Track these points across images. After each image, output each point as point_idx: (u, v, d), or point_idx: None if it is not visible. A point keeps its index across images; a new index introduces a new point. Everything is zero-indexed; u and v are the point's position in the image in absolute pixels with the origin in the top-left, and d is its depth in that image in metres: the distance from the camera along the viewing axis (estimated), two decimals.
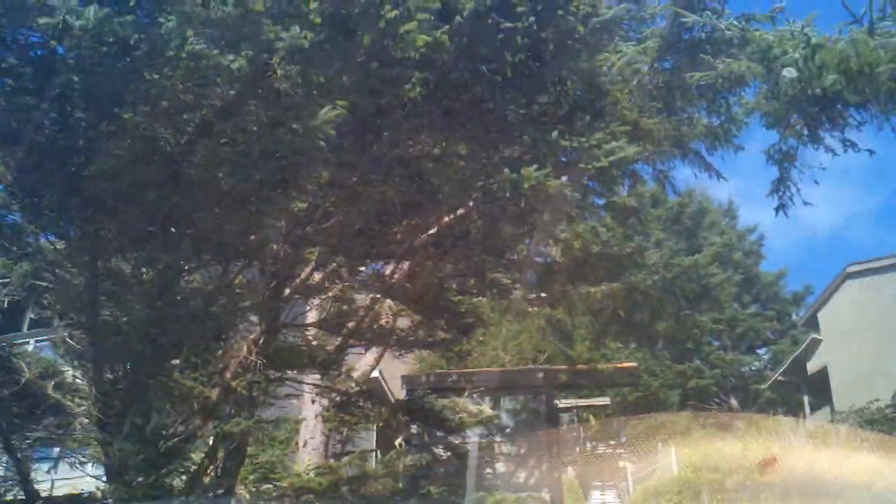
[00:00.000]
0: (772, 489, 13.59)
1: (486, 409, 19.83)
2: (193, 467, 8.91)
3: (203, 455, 9.12)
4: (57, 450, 11.20)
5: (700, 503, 17.88)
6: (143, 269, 7.02)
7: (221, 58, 5.46)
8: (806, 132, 11.71)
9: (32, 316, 21.19)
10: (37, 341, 18.39)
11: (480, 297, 13.73)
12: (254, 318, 9.29)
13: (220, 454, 9.33)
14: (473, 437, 19.32)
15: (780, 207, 12.36)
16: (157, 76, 5.51)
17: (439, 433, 17.24)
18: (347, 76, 6.16)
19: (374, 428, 19.47)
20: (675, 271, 27.79)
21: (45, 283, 7.34)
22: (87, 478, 10.98)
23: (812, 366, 30.21)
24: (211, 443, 9.19)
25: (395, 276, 12.07)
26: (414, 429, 17.98)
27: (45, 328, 15.97)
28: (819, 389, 29.55)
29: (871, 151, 11.00)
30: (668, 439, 24.36)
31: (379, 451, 19.60)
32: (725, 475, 17.00)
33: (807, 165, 12.13)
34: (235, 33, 5.51)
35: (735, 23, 10.48)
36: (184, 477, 8.94)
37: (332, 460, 16.11)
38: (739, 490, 15.99)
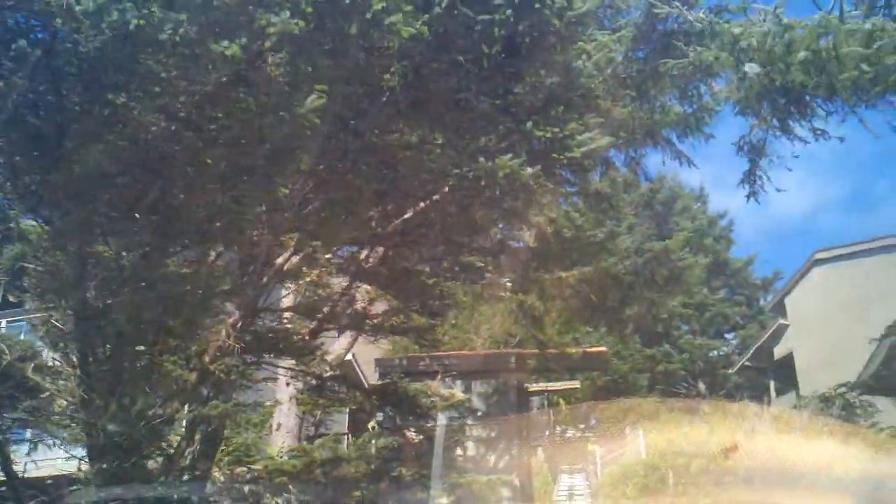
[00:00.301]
0: (734, 474, 13.95)
1: (458, 392, 20.05)
2: (171, 450, 9.02)
3: (180, 438, 9.23)
4: (34, 431, 11.25)
5: (666, 487, 18.26)
6: (125, 253, 7.09)
7: (216, 44, 5.55)
8: (775, 122, 11.96)
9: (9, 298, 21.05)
10: (8, 322, 18.33)
11: (454, 281, 13.89)
12: (232, 303, 9.38)
13: (197, 437, 9.44)
14: (445, 420, 19.53)
15: (752, 195, 12.67)
16: (150, 62, 5.59)
17: (411, 416, 17.43)
18: (333, 65, 6.26)
19: (347, 411, 19.65)
20: (646, 256, 28.10)
21: (27, 265, 7.40)
22: (60, 460, 11.06)
23: (779, 351, 30.73)
24: (188, 425, 9.30)
25: (371, 260, 12.19)
26: (387, 412, 18.16)
27: (16, 309, 15.91)
28: (785, 374, 30.07)
29: (840, 139, 11.26)
30: (637, 423, 24.77)
31: (352, 434, 19.79)
32: (691, 459, 17.37)
33: (776, 155, 12.42)
34: (230, 20, 5.60)
35: (703, 15, 10.68)
36: (160, 459, 9.04)
37: (305, 443, 16.26)
38: (703, 474, 16.36)
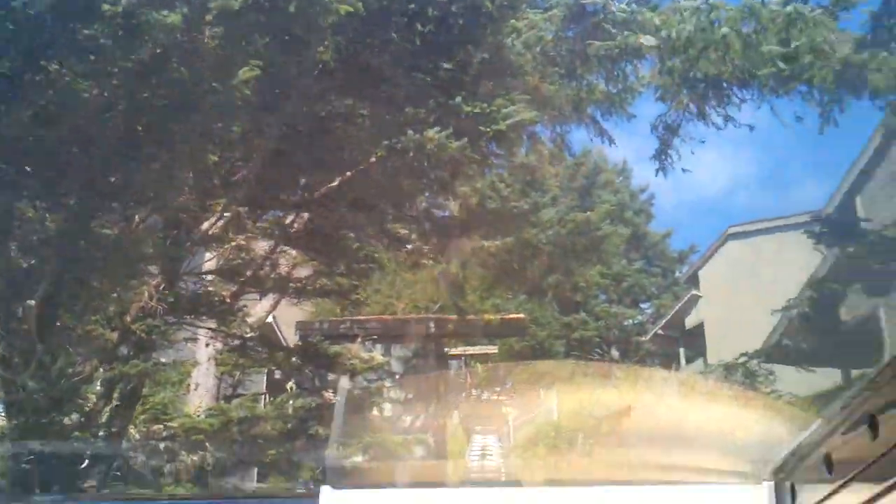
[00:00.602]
0: (639, 435, 14.50)
1: (378, 355, 20.26)
2: (88, 406, 9.05)
3: (99, 395, 9.26)
4: None
5: (574, 446, 18.87)
6: (51, 215, 7.07)
7: (156, 13, 5.56)
8: (693, 106, 12.46)
9: None
10: None
11: (378, 247, 14.06)
12: (155, 266, 9.39)
13: (115, 395, 9.47)
14: (363, 381, 19.74)
15: (662, 170, 13.34)
16: (87, 30, 5.56)
17: (330, 377, 17.60)
18: (270, 39, 6.32)
19: (266, 372, 19.71)
20: (568, 227, 28.65)
21: None
22: None
23: (690, 321, 31.77)
24: (107, 383, 9.32)
25: (296, 225, 12.27)
26: (305, 373, 18.29)
27: None
28: (695, 343, 31.12)
29: (750, 127, 11.84)
30: (551, 387, 25.36)
31: (269, 395, 19.88)
32: (600, 421, 17.96)
33: (689, 136, 13.01)
34: None
35: (626, 7, 11.06)
36: (78, 416, 9.07)
37: (222, 402, 16.29)
38: (610, 435, 16.94)
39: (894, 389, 1.51)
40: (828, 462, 1.81)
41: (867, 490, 1.57)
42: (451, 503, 2.30)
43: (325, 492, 2.27)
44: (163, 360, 10.47)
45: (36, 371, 7.25)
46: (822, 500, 1.83)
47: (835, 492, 1.76)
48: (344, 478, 16.72)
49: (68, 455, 8.32)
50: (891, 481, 1.47)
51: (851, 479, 1.68)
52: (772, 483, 2.16)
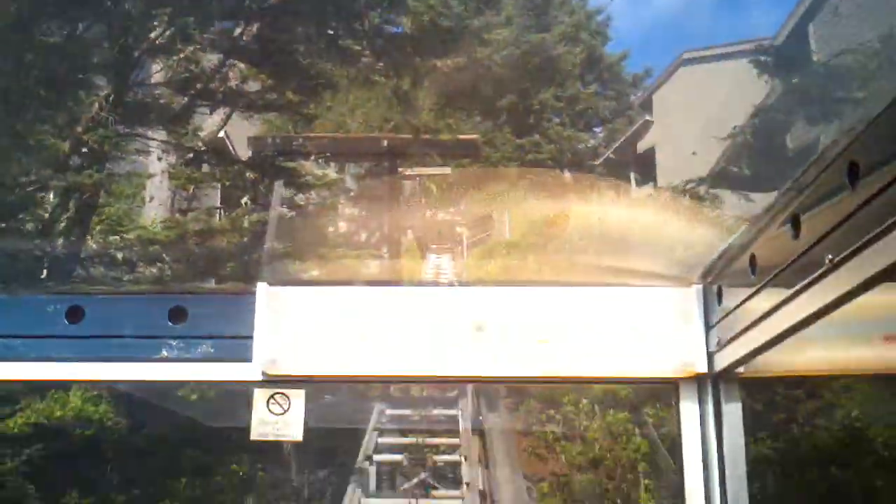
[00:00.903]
0: (585, 250, 15.13)
1: (332, 173, 20.50)
2: (46, 216, 9.28)
3: (56, 205, 9.47)
4: None
5: (525, 263, 19.67)
6: None
7: None
8: None
9: None
10: None
11: (329, 63, 14.01)
12: (104, 76, 9.38)
13: (72, 205, 9.69)
14: (317, 198, 20.06)
15: None
16: None
17: (284, 193, 17.88)
18: None
19: (220, 187, 19.90)
20: (523, 48, 28.46)
21: None
22: None
23: (642, 145, 32.26)
24: (63, 194, 9.51)
25: (245, 37, 12.18)
26: (259, 188, 18.51)
27: None
28: (646, 168, 31.73)
29: None
30: (503, 208, 26.02)
31: (224, 209, 20.15)
32: (547, 240, 18.67)
33: None
34: None
35: None
36: (35, 224, 9.30)
37: (178, 216, 16.57)
38: (559, 250, 17.64)
39: (817, 189, 1.56)
40: (752, 263, 1.87)
41: (788, 288, 1.64)
42: (396, 301, 2.30)
43: (261, 288, 2.27)
44: (117, 171, 10.60)
45: None
46: (746, 300, 1.91)
47: (758, 291, 1.83)
48: (281, 275, 17.30)
49: (30, 258, 8.59)
50: (810, 278, 1.54)
51: (773, 278, 1.74)
52: (700, 286, 2.24)
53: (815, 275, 1.51)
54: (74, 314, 2.24)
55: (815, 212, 1.56)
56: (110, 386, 15.16)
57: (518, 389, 19.89)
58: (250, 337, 2.22)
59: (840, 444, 15.07)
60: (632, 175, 33.73)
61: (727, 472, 2.13)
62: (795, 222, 1.61)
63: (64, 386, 12.39)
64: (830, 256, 1.45)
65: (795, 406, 15.54)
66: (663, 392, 15.80)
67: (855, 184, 1.39)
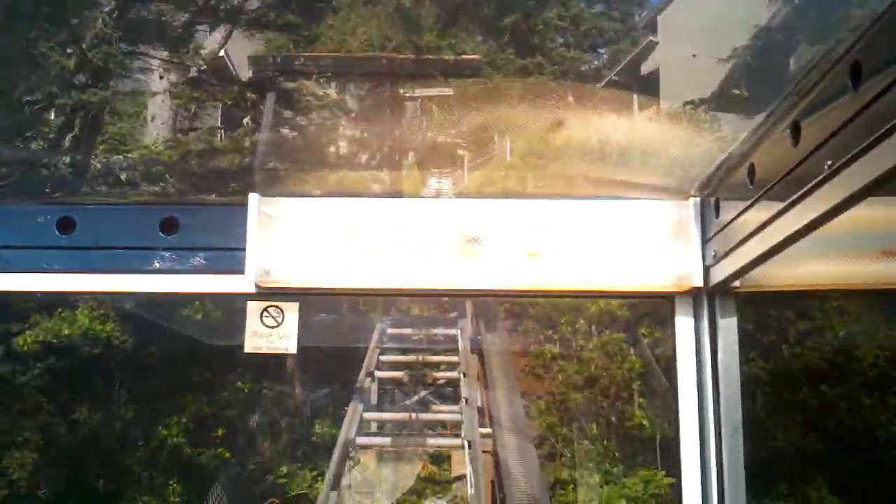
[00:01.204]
0: (583, 163, 15.10)
1: (332, 93, 20.40)
2: (52, 135, 9.36)
3: (61, 124, 9.54)
4: None
5: (523, 186, 19.75)
6: None
7: None
8: None
9: None
10: None
11: None
12: None
13: (77, 122, 9.76)
14: (318, 119, 20.00)
15: None
16: None
17: (286, 113, 17.86)
18: None
19: (220, 106, 19.85)
20: None
21: None
22: None
23: (646, 67, 31.95)
24: (69, 112, 9.56)
25: None
26: (260, 108, 18.47)
27: None
28: (649, 89, 31.47)
29: None
30: (504, 130, 25.96)
31: (225, 130, 20.13)
32: (548, 162, 18.72)
33: None
34: None
35: None
36: (41, 143, 9.39)
37: (180, 135, 16.60)
38: (558, 177, 17.69)
39: (819, 93, 1.52)
40: (751, 174, 1.84)
41: (787, 197, 1.61)
42: (391, 214, 2.25)
43: (253, 200, 2.23)
44: (121, 89, 10.61)
45: None
46: (744, 211, 1.88)
47: (756, 202, 1.81)
48: (274, 186, 17.37)
49: (39, 177, 8.70)
50: (809, 185, 1.51)
51: (772, 188, 1.70)
52: (698, 199, 2.21)
53: (814, 182, 1.48)
54: (66, 225, 2.21)
55: (816, 116, 1.52)
56: (115, 304, 15.48)
57: (516, 312, 20.25)
58: (243, 249, 2.20)
59: (830, 365, 15.45)
60: (634, 97, 33.49)
61: (721, 387, 2.12)
62: (796, 129, 1.58)
63: (56, 298, 12.60)
64: (830, 162, 1.42)
65: (787, 328, 15.87)
66: (658, 312, 16.10)
67: (857, 86, 1.36)
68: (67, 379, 16.03)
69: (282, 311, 2.26)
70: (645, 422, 16.27)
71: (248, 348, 2.25)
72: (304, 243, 2.21)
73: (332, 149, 21.27)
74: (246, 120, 19.02)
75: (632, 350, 17.34)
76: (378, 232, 2.21)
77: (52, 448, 15.77)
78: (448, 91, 28.19)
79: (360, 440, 11.98)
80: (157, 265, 2.20)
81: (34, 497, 15.22)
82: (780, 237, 1.67)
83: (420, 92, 26.42)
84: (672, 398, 2.22)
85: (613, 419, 16.95)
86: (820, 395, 15.18)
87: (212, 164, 15.75)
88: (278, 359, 17.37)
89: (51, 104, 8.54)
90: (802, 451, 14.57)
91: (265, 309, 2.25)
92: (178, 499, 15.61)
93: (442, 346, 15.64)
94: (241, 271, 2.19)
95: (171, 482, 15.71)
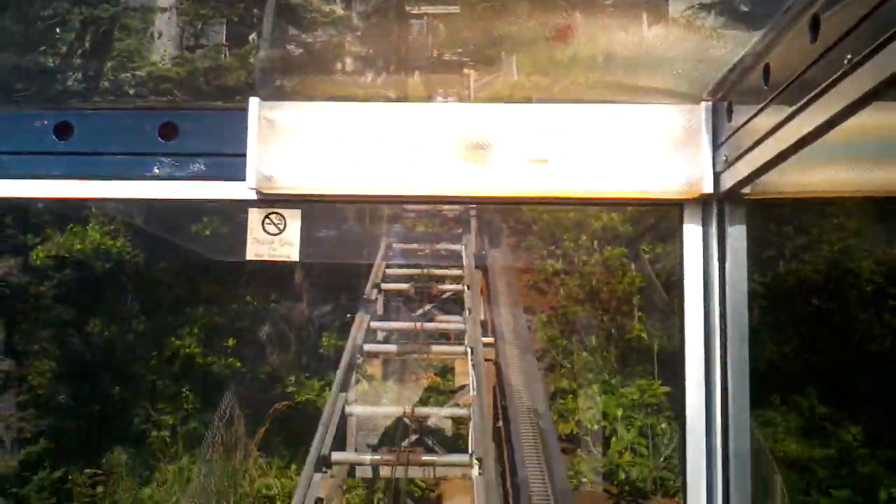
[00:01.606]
0: (591, 67, 14.96)
1: (338, 9, 20.32)
2: (65, 48, 9.53)
3: (73, 37, 9.69)
4: None
5: (529, 98, 19.81)
6: None
7: None
8: None
9: None
10: None
11: None
12: None
13: (88, 37, 9.91)
14: (324, 35, 19.94)
15: None
16: None
17: (292, 31, 17.86)
18: None
19: (225, 23, 19.85)
20: None
21: None
22: None
23: None
24: (80, 26, 9.70)
25: None
26: (265, 22, 18.44)
27: None
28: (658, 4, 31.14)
29: None
30: (512, 50, 25.80)
31: (231, 47, 20.16)
32: (555, 80, 18.74)
33: None
34: None
35: None
36: (54, 57, 9.57)
37: (186, 52, 16.68)
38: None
39: None
40: (766, 74, 1.78)
41: (803, 96, 1.56)
42: (395, 118, 2.20)
43: (253, 104, 2.16)
44: (131, 4, 10.68)
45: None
46: (757, 114, 1.83)
47: (770, 103, 1.75)
48: (275, 90, 17.43)
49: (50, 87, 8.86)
50: (826, 83, 1.45)
51: (787, 88, 1.64)
52: (710, 103, 2.15)
53: (832, 78, 1.42)
54: (63, 130, 2.18)
55: (837, 8, 1.44)
56: (125, 220, 15.81)
57: (519, 229, 20.52)
58: (244, 154, 2.15)
59: (826, 278, 15.80)
60: (644, 14, 33.13)
61: (728, 295, 2.11)
62: (815, 23, 1.51)
63: (66, 209, 12.88)
64: (850, 56, 1.36)
65: (785, 242, 16.17)
66: (659, 228, 16.37)
67: None
68: (81, 292, 16.49)
69: (283, 217, 2.26)
70: (644, 334, 16.70)
71: (249, 255, 2.23)
72: (306, 148, 2.16)
73: (338, 65, 21.26)
74: (252, 37, 19.06)
75: (633, 265, 17.69)
76: (382, 136, 2.17)
77: (69, 358, 16.34)
78: (455, 9, 27.90)
79: (368, 347, 12.33)
80: (157, 171, 2.17)
81: (53, 402, 15.84)
82: (795, 137, 1.62)
83: (426, 9, 26.18)
84: (678, 307, 2.20)
85: (613, 332, 17.39)
86: (816, 308, 15.59)
87: (218, 81, 15.90)
88: (286, 273, 17.80)
89: (64, 20, 8.69)
90: (795, 363, 15.02)
91: (267, 216, 2.25)
92: (190, 406, 16.21)
93: (446, 262, 15.91)
94: (241, 178, 2.15)
95: (184, 390, 16.30)
